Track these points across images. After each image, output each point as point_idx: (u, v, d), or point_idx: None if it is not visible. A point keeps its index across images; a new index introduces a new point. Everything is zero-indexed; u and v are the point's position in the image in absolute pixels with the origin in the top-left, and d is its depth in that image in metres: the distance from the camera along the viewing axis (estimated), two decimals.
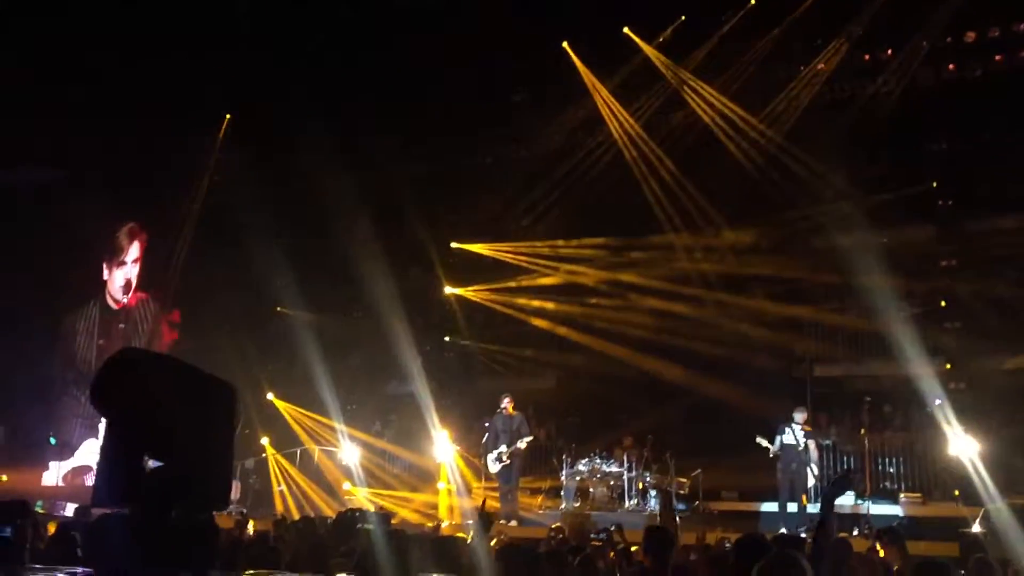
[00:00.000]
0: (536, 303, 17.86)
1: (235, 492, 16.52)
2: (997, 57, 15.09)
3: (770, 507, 13.73)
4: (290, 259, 18.04)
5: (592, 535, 7.74)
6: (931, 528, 11.98)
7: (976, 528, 10.46)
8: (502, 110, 18.19)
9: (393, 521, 14.61)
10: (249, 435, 17.24)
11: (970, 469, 11.73)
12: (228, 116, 18.84)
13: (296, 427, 17.68)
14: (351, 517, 5.97)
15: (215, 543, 3.35)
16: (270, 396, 17.87)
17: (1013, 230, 13.96)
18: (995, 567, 6.63)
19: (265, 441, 17.32)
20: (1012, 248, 13.92)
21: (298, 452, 17.39)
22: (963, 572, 6.33)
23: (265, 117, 17.46)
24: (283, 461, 17.18)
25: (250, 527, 10.38)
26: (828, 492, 4.98)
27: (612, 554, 7.86)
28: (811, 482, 13.06)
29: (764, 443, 13.19)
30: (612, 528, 10.64)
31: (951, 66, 15.40)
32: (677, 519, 12.62)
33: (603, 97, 17.27)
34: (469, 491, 15.43)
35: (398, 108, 17.14)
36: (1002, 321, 14.06)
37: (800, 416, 13.11)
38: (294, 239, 18.37)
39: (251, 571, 5.46)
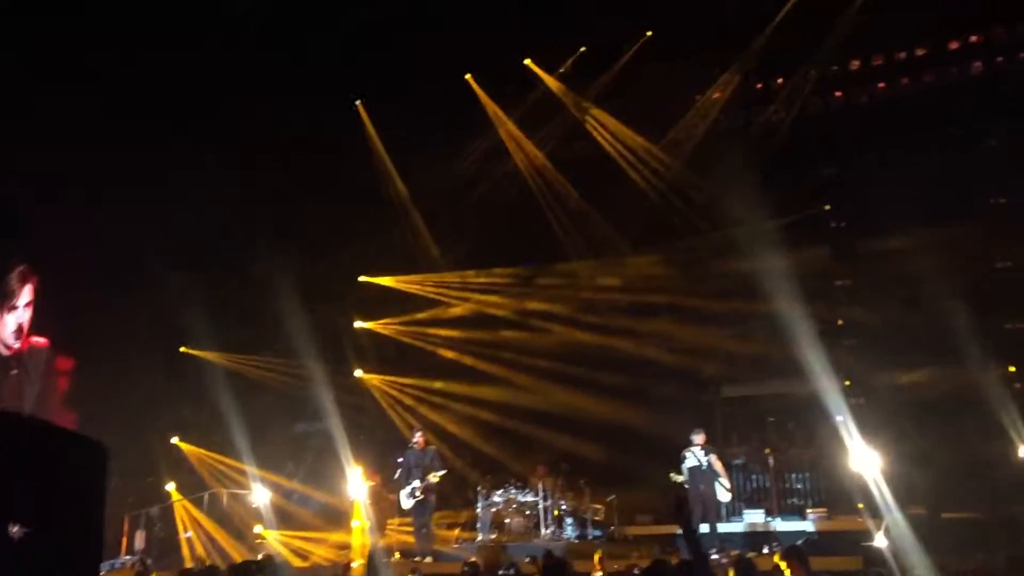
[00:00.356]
0: (445, 333, 17.82)
1: (139, 541, 16.03)
2: (880, 84, 15.80)
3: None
4: (195, 297, 17.62)
5: (501, 571, 7.68)
6: (838, 542, 12.27)
7: (880, 540, 10.74)
8: (407, 141, 18.14)
9: (306, 563, 14.37)
10: (154, 482, 16.72)
11: (871, 483, 12.04)
12: None
13: (203, 471, 17.21)
14: (247, 568, 5.82)
15: None
16: (175, 440, 17.37)
17: (901, 250, 14.52)
18: None
19: (171, 487, 16.80)
20: (901, 267, 14.47)
21: (206, 496, 16.89)
22: None
23: (168, 148, 17.08)
24: (190, 507, 16.66)
25: None
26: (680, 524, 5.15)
27: None
28: (725, 497, 13.19)
29: (679, 478, 13.22)
30: (527, 559, 10.64)
31: (838, 93, 16.07)
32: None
33: (508, 128, 17.45)
34: (383, 529, 15.24)
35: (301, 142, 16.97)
36: (895, 338, 14.58)
37: (698, 438, 13.18)
38: (200, 276, 17.96)
39: None
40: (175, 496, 16.70)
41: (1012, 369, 13.87)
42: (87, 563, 3.17)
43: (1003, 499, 11.95)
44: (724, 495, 13.13)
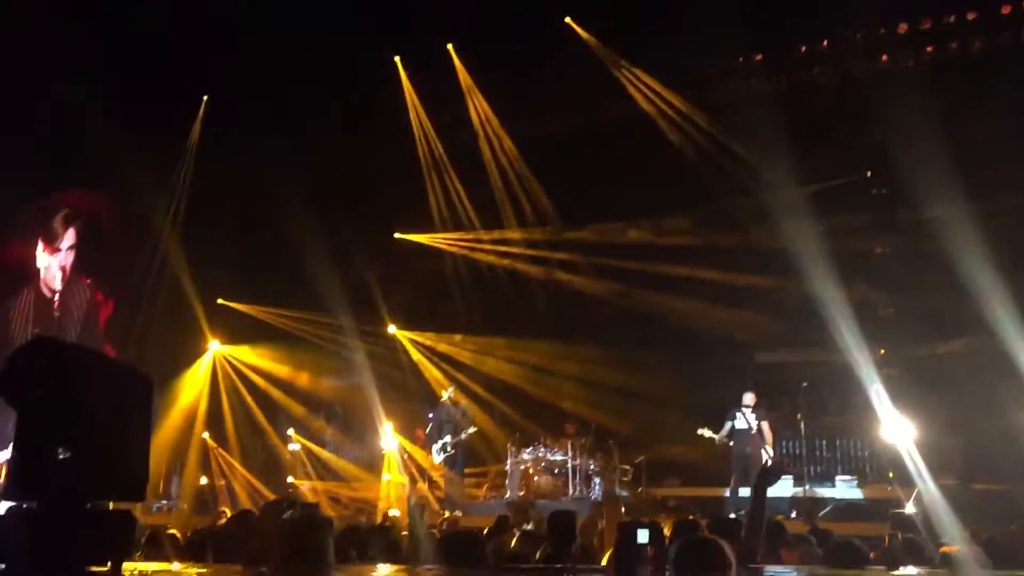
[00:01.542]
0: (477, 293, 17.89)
1: (175, 487, 16.47)
2: (928, 48, 15.39)
3: (722, 492, 13.82)
4: (230, 250, 17.86)
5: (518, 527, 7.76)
6: (867, 510, 12.27)
7: (910, 509, 10.70)
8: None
9: (338, 511, 14.63)
10: (188, 430, 17.09)
11: (903, 452, 11.97)
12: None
13: (235, 421, 17.56)
14: (278, 507, 5.95)
15: (131, 535, 3.31)
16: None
17: (942, 219, 14.24)
18: (923, 545, 6.82)
19: (206, 435, 17.14)
20: (941, 236, 14.19)
21: (240, 445, 17.23)
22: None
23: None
24: (226, 455, 17.01)
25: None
26: (758, 482, 4.96)
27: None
28: None
29: (707, 433, 13.25)
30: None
31: (884, 57, 15.67)
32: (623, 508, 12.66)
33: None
34: (415, 481, 15.45)
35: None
36: (932, 307, 14.39)
37: (749, 399, 13.28)
38: (234, 230, 18.19)
39: None
40: (210, 443, 17.06)
41: None
42: (132, 489, 3.24)
43: None
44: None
